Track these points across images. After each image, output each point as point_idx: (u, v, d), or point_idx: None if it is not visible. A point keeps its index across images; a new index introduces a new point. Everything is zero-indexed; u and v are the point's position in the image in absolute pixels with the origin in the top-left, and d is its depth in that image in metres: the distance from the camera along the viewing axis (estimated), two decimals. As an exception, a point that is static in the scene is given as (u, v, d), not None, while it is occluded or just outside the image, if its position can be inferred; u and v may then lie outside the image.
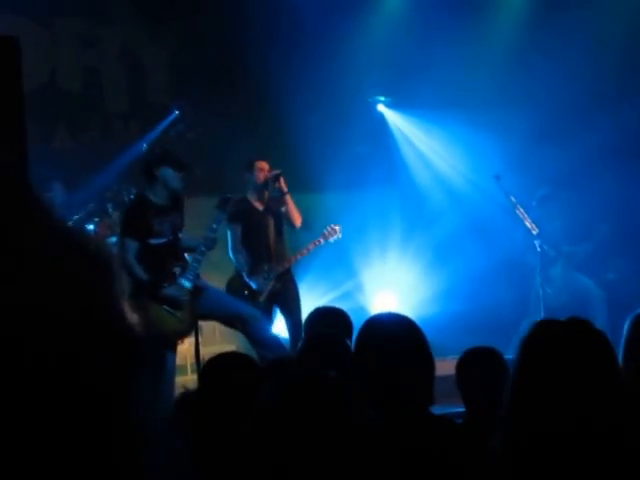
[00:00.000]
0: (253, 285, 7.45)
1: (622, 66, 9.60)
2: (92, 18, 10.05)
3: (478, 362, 3.72)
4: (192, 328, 6.58)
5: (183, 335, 6.56)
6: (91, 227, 9.26)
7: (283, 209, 7.75)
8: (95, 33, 10.11)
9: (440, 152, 10.13)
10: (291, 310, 7.51)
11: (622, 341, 2.91)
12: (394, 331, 2.81)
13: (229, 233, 7.63)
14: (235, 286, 7.52)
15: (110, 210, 9.32)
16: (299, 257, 7.76)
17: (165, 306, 6.43)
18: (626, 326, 2.93)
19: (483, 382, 3.57)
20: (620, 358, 2.86)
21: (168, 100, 9.90)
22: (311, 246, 7.81)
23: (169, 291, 6.43)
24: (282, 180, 7.67)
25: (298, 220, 7.74)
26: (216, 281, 7.35)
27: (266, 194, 7.74)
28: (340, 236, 7.91)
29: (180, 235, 6.65)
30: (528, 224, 7.96)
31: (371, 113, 9.86)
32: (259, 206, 7.71)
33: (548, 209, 8.72)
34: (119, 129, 10.21)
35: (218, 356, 3.63)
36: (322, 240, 7.85)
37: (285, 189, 7.70)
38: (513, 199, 8.02)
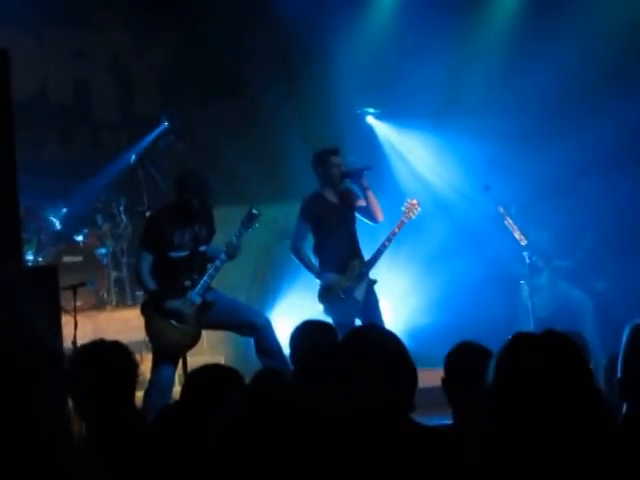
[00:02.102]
0: (326, 282, 7.23)
1: (612, 74, 9.64)
2: (82, 30, 10.08)
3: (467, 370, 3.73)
4: (195, 342, 6.59)
5: (185, 348, 6.55)
6: (80, 238, 9.27)
7: (359, 202, 7.41)
8: (85, 45, 10.15)
9: (429, 162, 10.15)
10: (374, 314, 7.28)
11: (620, 351, 2.89)
12: (375, 340, 2.85)
13: (295, 230, 7.45)
14: (328, 292, 7.28)
15: (99, 221, 9.34)
16: (387, 244, 7.38)
17: (170, 318, 6.45)
18: (624, 336, 2.91)
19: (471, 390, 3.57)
20: (619, 368, 2.86)
21: (157, 112, 9.92)
22: (396, 229, 7.42)
23: (173, 304, 6.44)
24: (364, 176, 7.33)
25: (380, 215, 7.39)
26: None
27: (341, 189, 7.41)
28: (420, 209, 7.55)
29: (203, 248, 6.60)
30: (517, 235, 7.97)
31: (360, 124, 9.88)
32: (336, 201, 7.40)
33: (529, 217, 8.70)
34: (109, 140, 10.24)
35: (201, 368, 3.62)
36: (405, 219, 7.47)
37: (366, 184, 7.33)
38: (502, 210, 8.03)
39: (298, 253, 7.41)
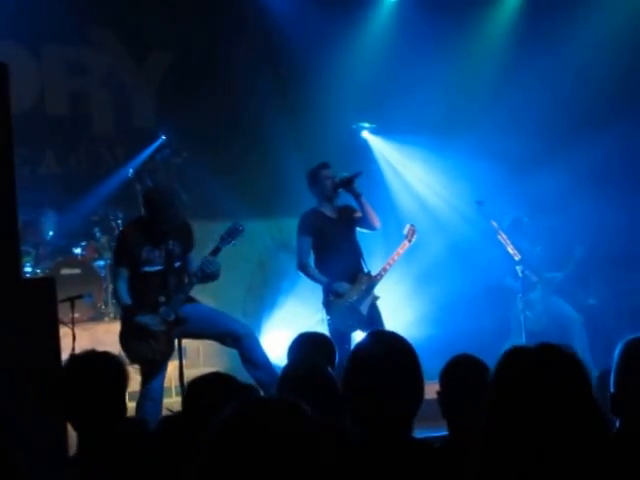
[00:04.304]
0: (339, 289, 7.27)
1: (608, 92, 9.71)
2: (79, 45, 10.11)
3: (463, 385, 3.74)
4: (165, 358, 6.55)
5: (154, 364, 6.50)
6: (78, 250, 9.31)
7: (356, 215, 7.47)
8: (82, 59, 10.18)
9: (423, 177, 10.21)
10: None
11: (613, 366, 2.91)
12: (387, 352, 2.87)
13: (298, 247, 7.43)
14: (337, 298, 7.30)
15: (97, 234, 9.38)
16: (392, 263, 7.51)
17: (140, 333, 6.45)
18: (617, 351, 2.93)
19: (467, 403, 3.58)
20: (611, 383, 2.89)
21: (154, 126, 9.96)
22: (400, 250, 7.56)
23: (142, 319, 6.44)
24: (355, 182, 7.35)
25: (377, 221, 7.44)
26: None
27: (338, 205, 7.49)
28: (415, 237, 7.67)
29: (178, 264, 6.56)
30: (510, 250, 8.02)
31: (355, 139, 9.92)
32: (335, 216, 7.48)
33: (520, 234, 8.75)
34: (105, 154, 10.26)
35: (201, 377, 3.64)
36: (407, 242, 7.60)
37: (358, 191, 7.37)
38: (495, 224, 8.08)
39: (305, 269, 7.41)
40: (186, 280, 6.56)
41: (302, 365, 3.90)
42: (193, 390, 3.55)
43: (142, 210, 6.80)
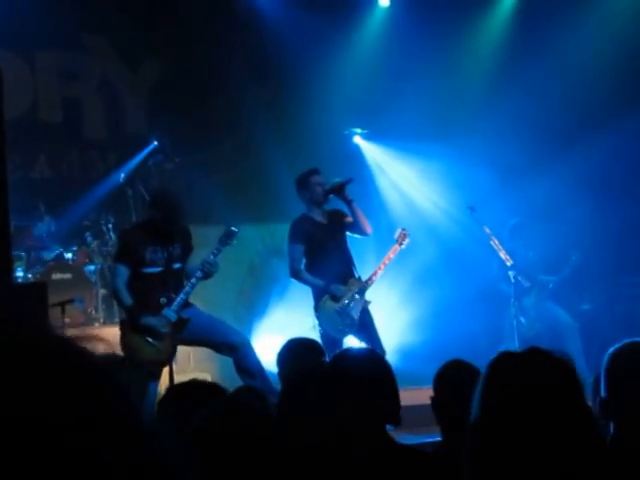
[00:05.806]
0: (337, 291, 7.24)
1: (604, 97, 9.74)
2: (72, 51, 10.11)
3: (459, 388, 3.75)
4: (170, 359, 6.58)
5: (160, 365, 6.54)
6: (69, 255, 9.30)
7: (347, 220, 7.43)
8: (75, 66, 10.18)
9: (416, 183, 10.22)
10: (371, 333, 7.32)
11: (602, 374, 2.92)
12: (362, 363, 2.90)
13: (290, 254, 7.40)
14: (326, 310, 7.28)
15: (89, 239, 9.37)
16: (383, 268, 7.49)
17: (145, 335, 6.44)
18: (605, 359, 2.92)
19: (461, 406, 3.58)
20: (602, 388, 2.89)
21: (146, 131, 9.96)
22: (391, 254, 7.52)
23: (148, 321, 6.44)
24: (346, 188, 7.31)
25: (368, 227, 7.39)
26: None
27: (327, 210, 7.45)
28: (408, 240, 7.64)
29: (177, 265, 6.60)
30: (502, 255, 8.04)
31: (347, 145, 9.93)
32: (325, 222, 7.42)
33: (520, 239, 8.77)
34: (97, 159, 10.25)
35: (179, 385, 3.59)
36: (398, 246, 7.56)
37: (350, 197, 7.34)
38: (487, 230, 8.09)
39: (298, 275, 7.37)
40: (187, 282, 6.57)
41: (300, 371, 3.90)
42: (167, 397, 3.50)
43: (147, 212, 6.82)
